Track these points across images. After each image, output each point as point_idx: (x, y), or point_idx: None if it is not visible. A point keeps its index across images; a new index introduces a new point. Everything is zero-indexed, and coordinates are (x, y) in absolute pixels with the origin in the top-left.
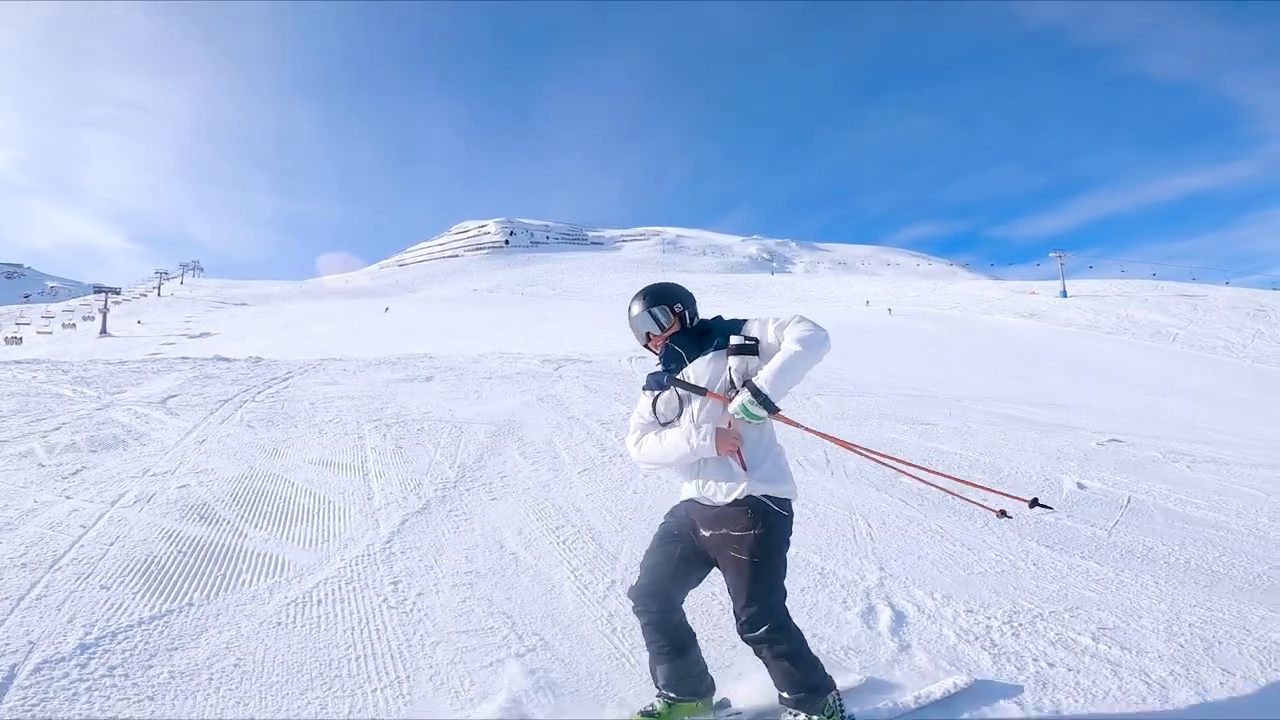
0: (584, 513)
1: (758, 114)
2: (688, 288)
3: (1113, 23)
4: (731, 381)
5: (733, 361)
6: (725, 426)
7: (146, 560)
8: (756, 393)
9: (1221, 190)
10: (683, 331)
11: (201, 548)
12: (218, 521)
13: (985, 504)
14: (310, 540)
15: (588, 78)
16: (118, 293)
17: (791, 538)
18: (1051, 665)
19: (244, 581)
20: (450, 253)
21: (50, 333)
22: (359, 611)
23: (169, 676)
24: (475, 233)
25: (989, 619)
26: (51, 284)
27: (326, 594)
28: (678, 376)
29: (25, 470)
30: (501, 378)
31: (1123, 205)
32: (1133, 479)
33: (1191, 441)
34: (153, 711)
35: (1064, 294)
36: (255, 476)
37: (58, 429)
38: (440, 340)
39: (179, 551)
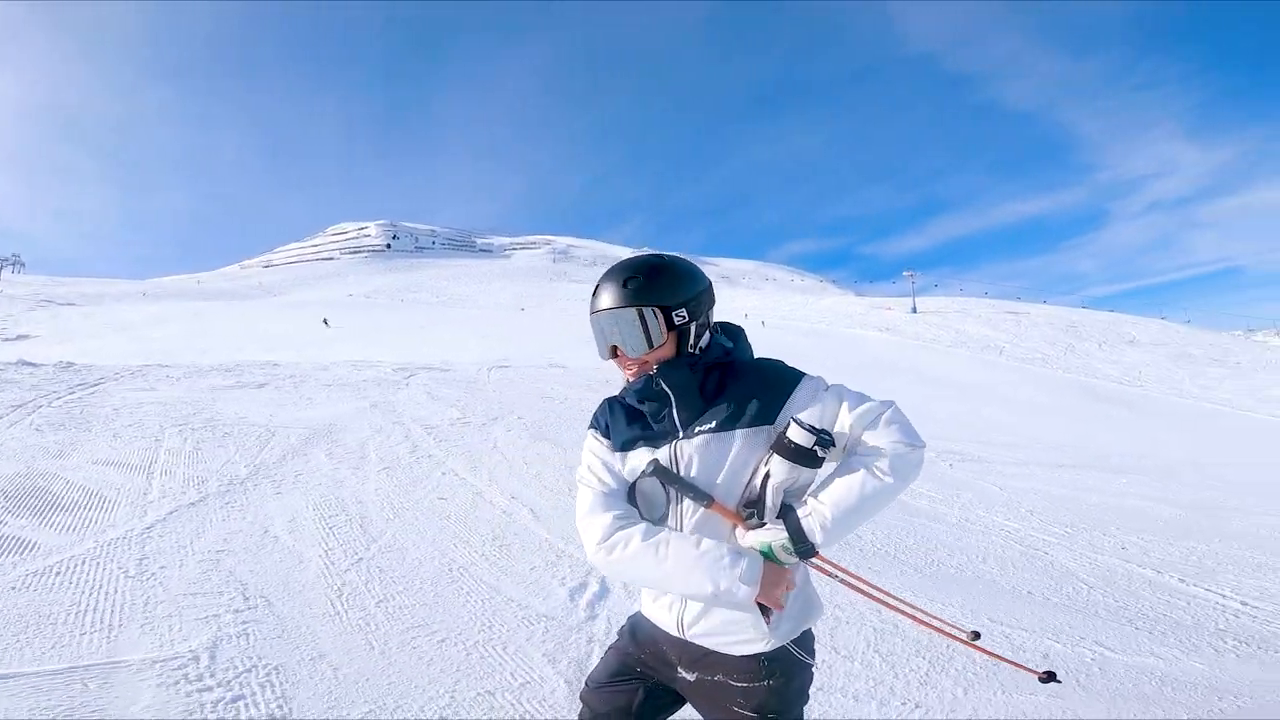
0: (364, 504)
1: (653, 126)
2: (701, 271)
3: (979, 50)
4: (761, 495)
5: (776, 466)
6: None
7: None
8: (801, 539)
9: (1052, 215)
10: (682, 358)
11: None
12: None
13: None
14: (69, 527)
15: (484, 78)
16: None
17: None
18: None
19: None
20: (324, 255)
21: None
22: (94, 580)
23: None
24: (354, 235)
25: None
26: None
27: (68, 568)
28: (662, 461)
29: None
30: (343, 385)
31: (971, 227)
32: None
33: (980, 443)
34: None
35: (914, 310)
36: (30, 475)
37: None
38: (301, 347)
39: None
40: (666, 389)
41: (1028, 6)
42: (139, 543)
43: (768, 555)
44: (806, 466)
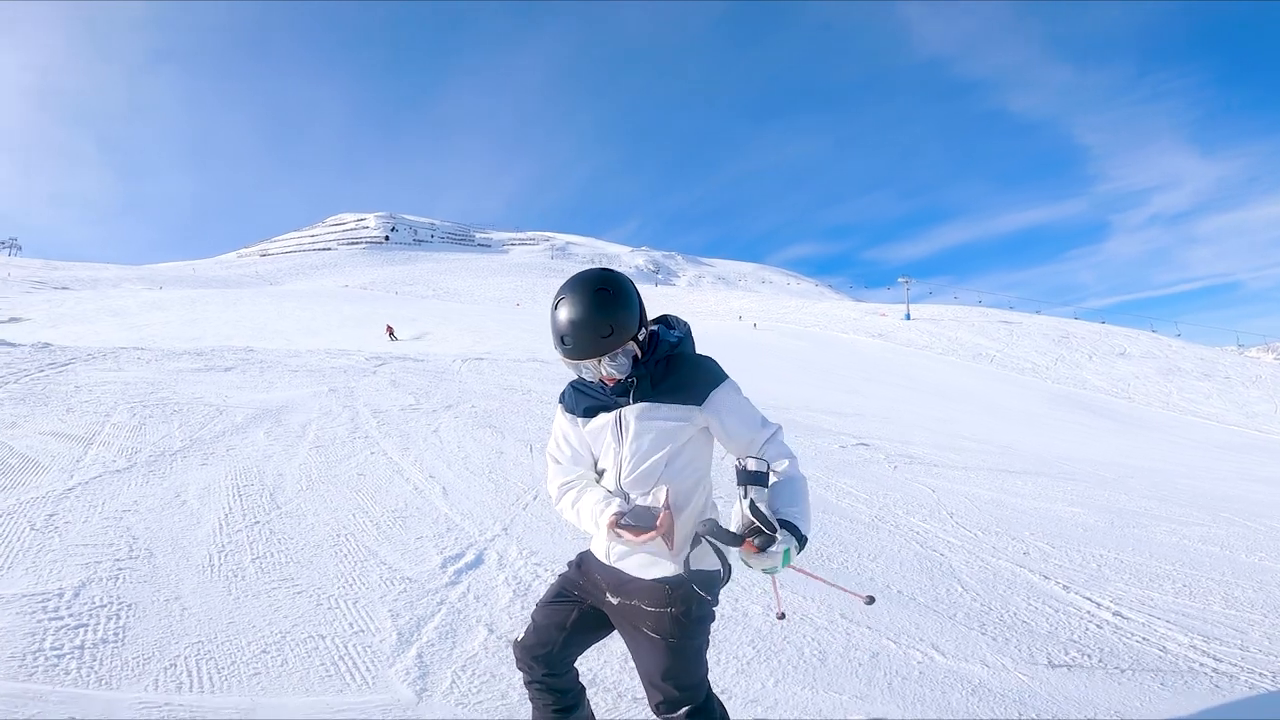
0: (283, 476)
1: (657, 126)
2: (631, 283)
3: (991, 57)
4: (762, 519)
5: (756, 494)
6: (661, 506)
7: None
8: (802, 539)
9: (1053, 226)
10: (642, 358)
11: None
12: None
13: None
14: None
15: (492, 74)
16: None
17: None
18: None
19: None
20: (322, 245)
21: None
22: (1, 532)
23: None
24: (353, 226)
25: (552, 571)
26: None
27: None
28: (611, 422)
29: None
30: (310, 371)
31: (972, 236)
32: (830, 475)
33: (939, 448)
34: None
35: (908, 317)
36: None
37: None
38: (294, 336)
39: None
40: (633, 380)
41: (1039, 13)
42: (55, 502)
43: (786, 562)
44: (765, 485)
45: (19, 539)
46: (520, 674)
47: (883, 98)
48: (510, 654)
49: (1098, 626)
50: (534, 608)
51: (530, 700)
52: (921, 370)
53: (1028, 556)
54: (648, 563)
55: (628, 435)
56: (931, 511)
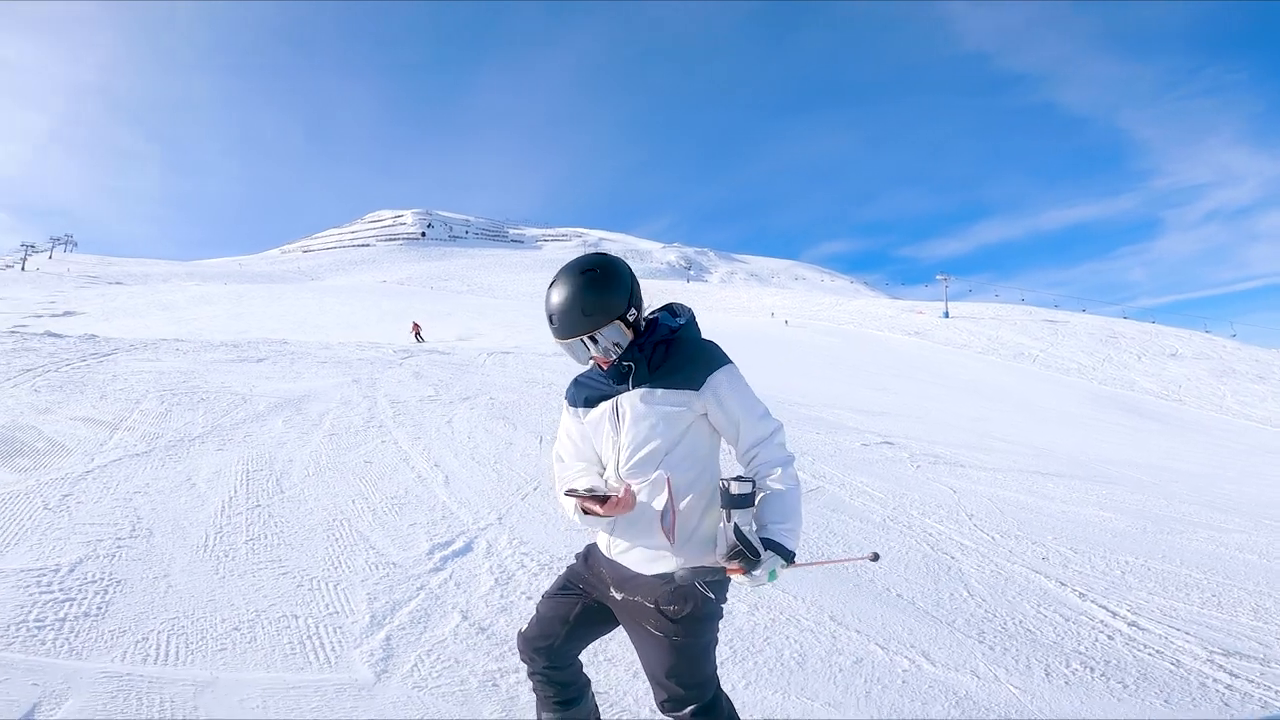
0: (292, 462)
1: (689, 121)
2: (623, 265)
3: (1036, 51)
4: (744, 541)
5: (740, 517)
6: (622, 494)
7: None
8: (787, 554)
9: (1102, 222)
10: (634, 341)
11: None
12: None
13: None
14: (23, 468)
15: (524, 71)
16: None
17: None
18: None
19: None
20: (361, 242)
21: None
22: (17, 509)
23: None
24: (390, 222)
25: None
26: None
27: (12, 497)
28: (609, 409)
29: None
30: (337, 363)
31: (1014, 233)
32: (846, 473)
33: (968, 448)
34: None
35: (946, 315)
36: (12, 427)
37: None
38: (333, 330)
39: None
40: (628, 364)
41: (1087, 10)
42: (72, 483)
43: (773, 578)
44: (751, 506)
45: (31, 517)
46: (523, 665)
47: (918, 92)
48: (478, 641)
49: (1109, 637)
50: (539, 599)
51: (533, 691)
52: (958, 369)
53: (1046, 562)
54: (650, 558)
55: (624, 422)
56: (949, 513)
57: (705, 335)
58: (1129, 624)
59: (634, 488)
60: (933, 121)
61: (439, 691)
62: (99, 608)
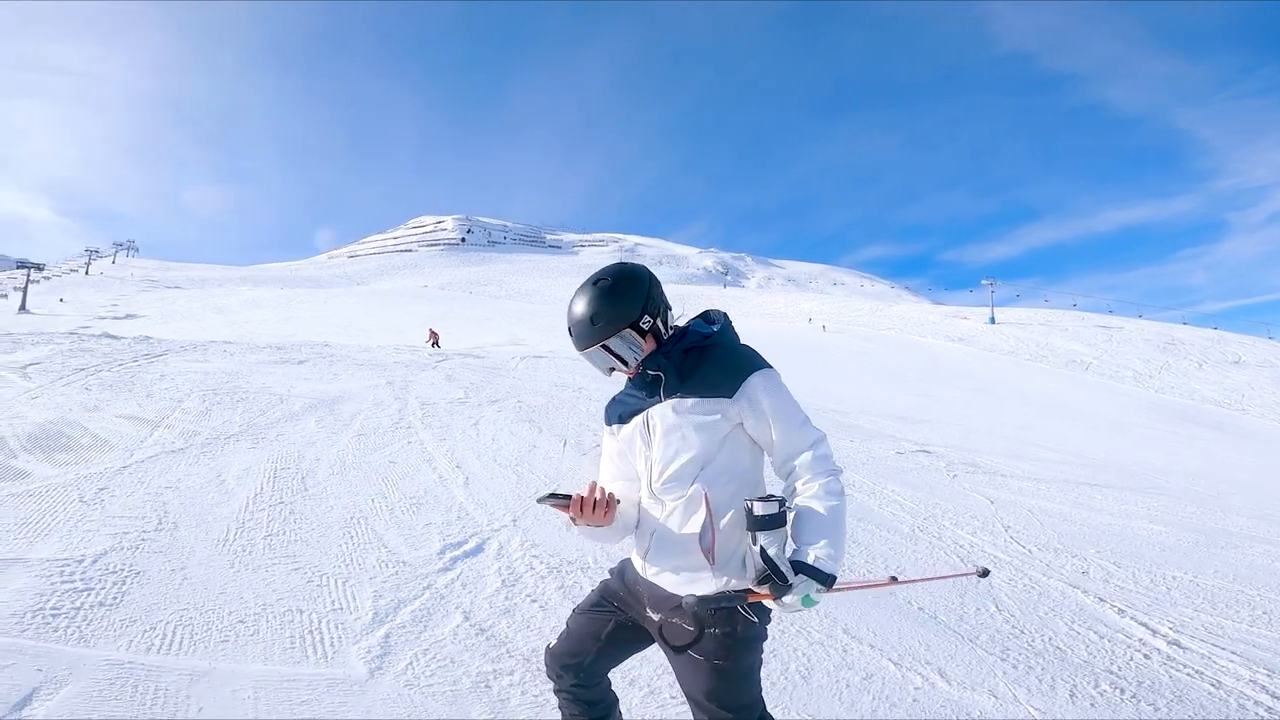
0: (319, 461)
1: (724, 124)
2: (640, 272)
3: (1081, 51)
4: (772, 564)
5: (765, 539)
6: (587, 493)
7: None
8: (824, 577)
9: (1160, 224)
10: (659, 348)
11: None
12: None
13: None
14: (65, 463)
15: (558, 75)
16: (40, 269)
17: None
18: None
19: None
20: (404, 247)
21: None
22: (54, 502)
23: None
24: (432, 228)
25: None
26: None
27: (41, 492)
28: (640, 424)
29: None
30: (374, 365)
31: (1063, 236)
32: (878, 482)
33: (1011, 457)
34: None
35: (992, 320)
36: (59, 423)
37: None
38: (375, 333)
39: None
40: (656, 374)
41: (1126, 9)
42: (109, 478)
43: (809, 604)
44: (782, 526)
45: (65, 509)
46: (550, 682)
47: (960, 92)
48: (476, 642)
49: (1145, 656)
50: (570, 613)
51: (558, 707)
52: (1004, 376)
53: (1085, 576)
54: (687, 578)
55: (655, 436)
56: (984, 524)
57: (744, 341)
58: (1169, 642)
59: (669, 504)
60: (975, 122)
61: (430, 690)
62: (115, 598)
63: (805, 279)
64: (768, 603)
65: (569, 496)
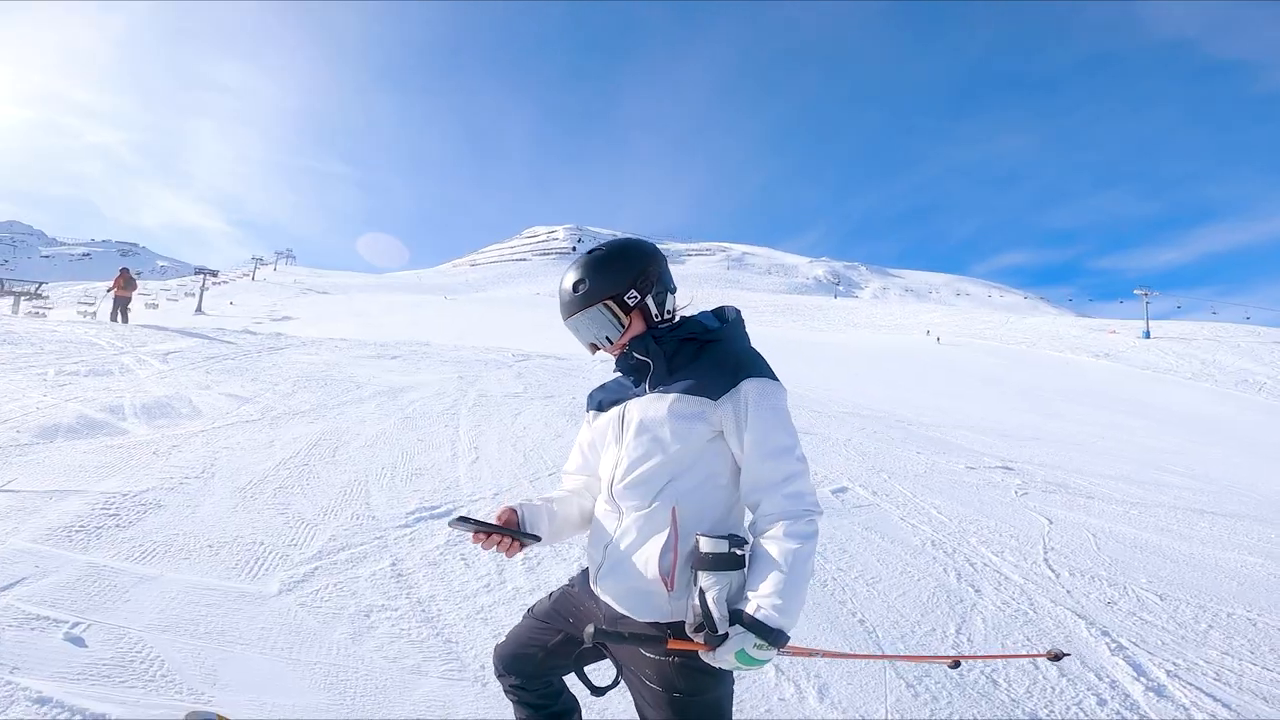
0: (360, 435)
1: (837, 127)
2: (642, 247)
3: (1251, 36)
4: (707, 612)
5: (705, 580)
6: (762, 663)
7: (54, 426)
8: (767, 632)
9: None
10: (649, 331)
11: (92, 425)
12: (115, 413)
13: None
14: (160, 426)
15: (664, 81)
16: (215, 274)
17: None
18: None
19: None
20: (519, 256)
21: (156, 306)
22: (131, 454)
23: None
24: (545, 238)
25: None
26: (161, 263)
27: (130, 445)
28: (615, 416)
29: (34, 382)
30: (456, 362)
31: (1245, 240)
32: (919, 493)
33: (1121, 479)
34: None
35: (1147, 334)
36: (172, 398)
37: (76, 363)
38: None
39: (77, 423)
40: (642, 359)
41: None
42: (186, 439)
43: (749, 662)
44: (733, 570)
45: (139, 459)
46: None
47: (1108, 85)
48: (385, 583)
49: (1098, 701)
50: (524, 612)
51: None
52: (1160, 397)
53: (1109, 606)
54: (640, 602)
55: (629, 431)
56: (1020, 544)
57: (795, 353)
58: (1148, 687)
59: (627, 516)
60: (1133, 116)
61: (315, 611)
62: (130, 522)
63: (925, 289)
64: (703, 654)
65: (484, 524)
